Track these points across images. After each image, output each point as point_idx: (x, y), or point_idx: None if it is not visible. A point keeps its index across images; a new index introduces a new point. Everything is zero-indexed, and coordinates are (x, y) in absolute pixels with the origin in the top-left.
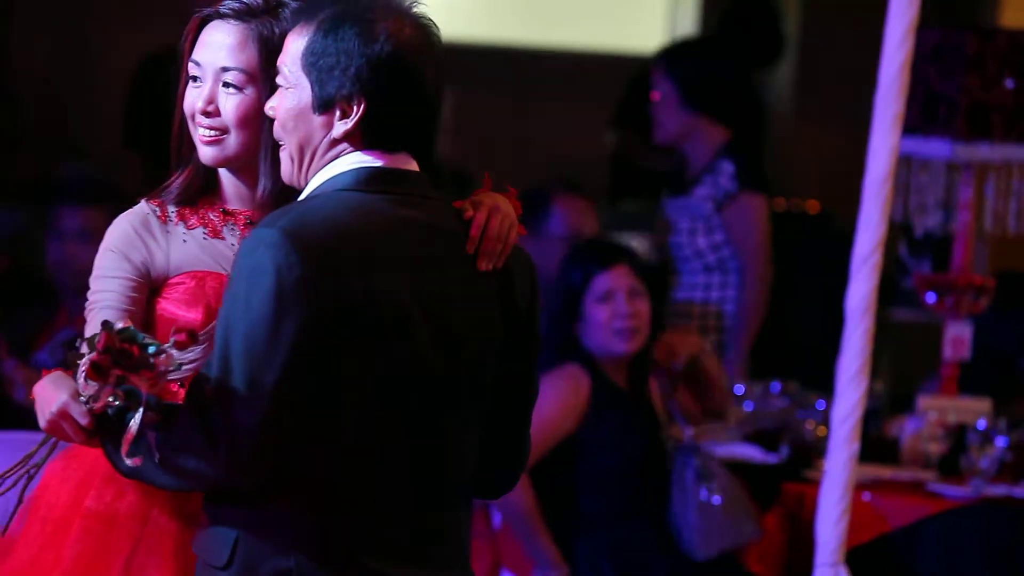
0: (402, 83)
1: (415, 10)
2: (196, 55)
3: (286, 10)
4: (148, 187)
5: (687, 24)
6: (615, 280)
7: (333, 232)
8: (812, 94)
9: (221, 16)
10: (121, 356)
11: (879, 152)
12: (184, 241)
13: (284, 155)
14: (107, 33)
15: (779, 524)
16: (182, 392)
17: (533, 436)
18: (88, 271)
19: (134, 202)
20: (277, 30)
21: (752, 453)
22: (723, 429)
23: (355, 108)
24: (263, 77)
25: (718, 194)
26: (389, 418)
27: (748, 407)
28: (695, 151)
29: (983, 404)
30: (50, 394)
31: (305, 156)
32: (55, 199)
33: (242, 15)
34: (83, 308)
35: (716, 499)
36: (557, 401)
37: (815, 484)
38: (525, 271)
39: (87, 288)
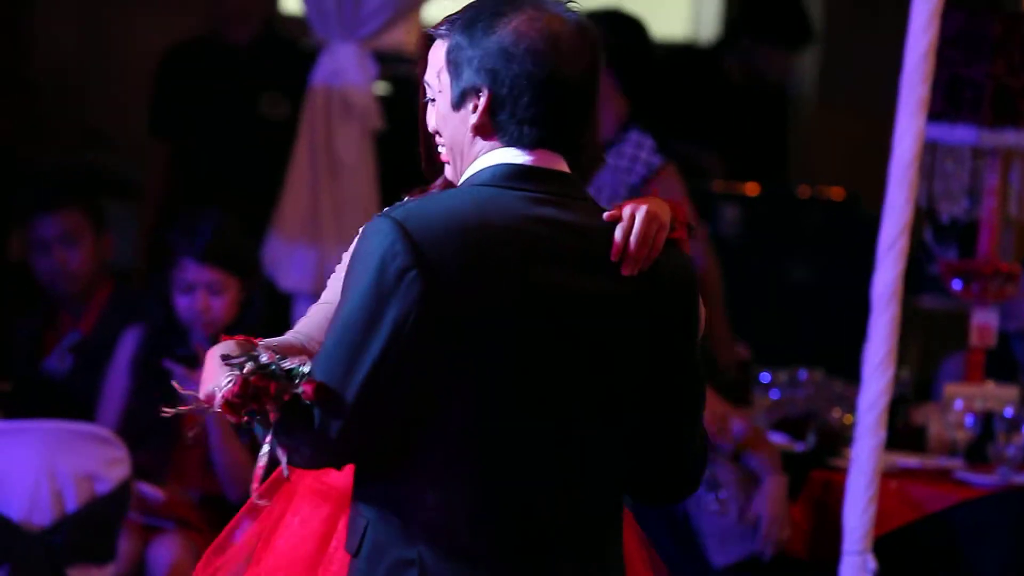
0: (527, 74)
1: (557, 5)
2: (426, 75)
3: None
4: (172, 176)
5: (711, 10)
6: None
7: (448, 225)
8: (837, 80)
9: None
10: (256, 394)
11: (904, 137)
12: None
13: (445, 159)
14: (128, 21)
15: (806, 512)
16: None
17: None
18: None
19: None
20: None
21: (779, 441)
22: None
23: (480, 99)
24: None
25: (639, 167)
26: (497, 411)
27: (774, 395)
28: (601, 120)
29: (1010, 392)
30: (209, 375)
31: (456, 156)
32: (28, 209)
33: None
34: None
35: (725, 509)
36: None
37: (842, 472)
38: (681, 280)
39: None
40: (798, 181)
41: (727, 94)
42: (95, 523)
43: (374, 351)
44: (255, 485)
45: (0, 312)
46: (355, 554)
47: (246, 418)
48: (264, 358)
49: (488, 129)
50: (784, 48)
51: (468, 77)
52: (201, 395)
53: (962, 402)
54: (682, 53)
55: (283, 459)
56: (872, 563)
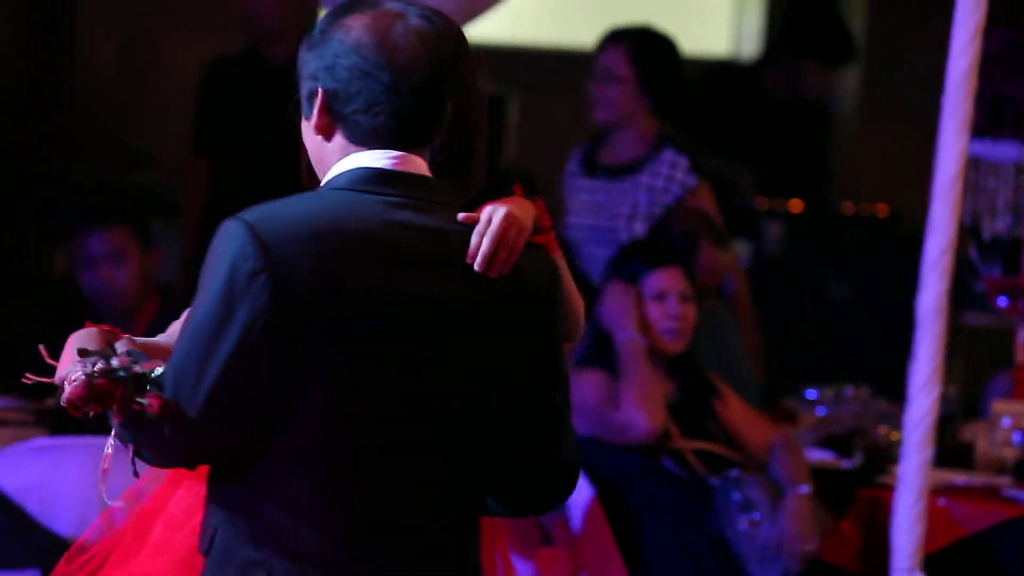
0: (355, 66)
1: (404, 6)
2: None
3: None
4: (211, 193)
5: (753, 27)
6: (669, 281)
7: (300, 229)
8: (879, 96)
9: None
10: (100, 396)
11: (947, 156)
12: None
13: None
14: (169, 39)
15: (854, 530)
16: None
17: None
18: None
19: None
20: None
21: (825, 458)
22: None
23: (317, 99)
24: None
25: (674, 187)
26: (346, 417)
27: (820, 412)
28: (629, 138)
29: None
30: (64, 361)
31: (318, 166)
32: (75, 226)
33: None
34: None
35: (756, 530)
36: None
37: (889, 489)
38: (543, 284)
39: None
40: (841, 198)
41: (769, 111)
42: None
43: (223, 355)
44: (103, 481)
45: (45, 328)
46: (206, 553)
47: (90, 415)
48: (115, 361)
49: (330, 128)
50: (825, 65)
51: (308, 82)
52: (56, 379)
53: (1009, 420)
54: (723, 70)
55: (129, 455)
56: None
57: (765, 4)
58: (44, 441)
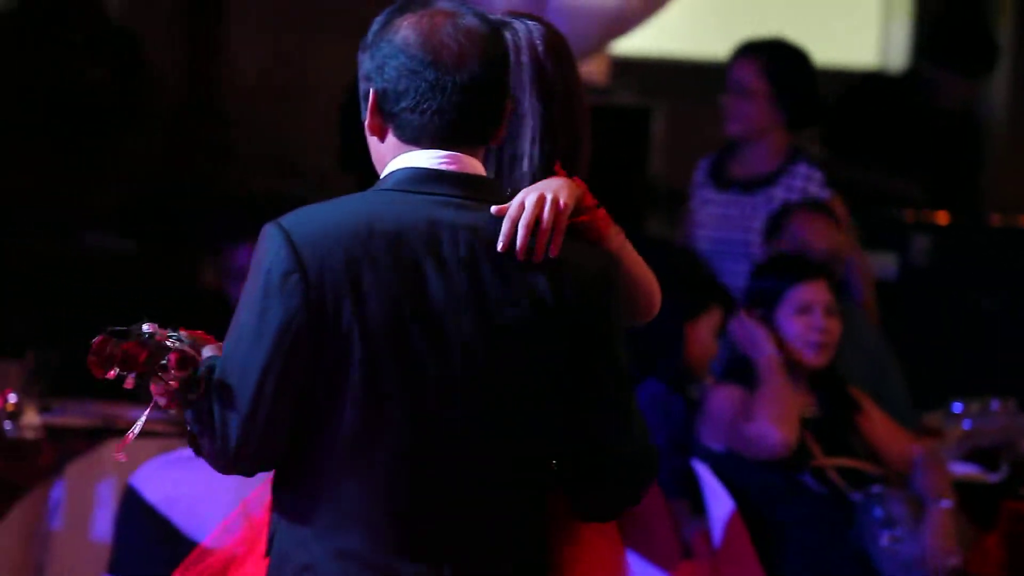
0: (403, 66)
1: (455, 6)
2: None
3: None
4: None
5: (901, 37)
6: (814, 294)
7: (334, 230)
8: None
9: None
10: (116, 358)
11: None
12: None
13: None
14: (318, 50)
15: (999, 544)
16: None
17: None
18: None
19: None
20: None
21: (971, 472)
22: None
23: (369, 99)
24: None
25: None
26: (385, 415)
27: (966, 425)
28: (762, 151)
29: None
30: None
31: (380, 169)
32: (224, 240)
33: None
34: None
35: (897, 547)
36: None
37: None
38: (588, 272)
39: None
40: (990, 209)
41: (917, 121)
42: None
43: (262, 356)
44: (119, 448)
45: None
46: (267, 555)
47: (111, 374)
48: (145, 328)
49: (383, 128)
50: (966, 75)
51: (362, 84)
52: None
53: None
54: (871, 81)
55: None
56: None
57: (914, 13)
58: (189, 452)
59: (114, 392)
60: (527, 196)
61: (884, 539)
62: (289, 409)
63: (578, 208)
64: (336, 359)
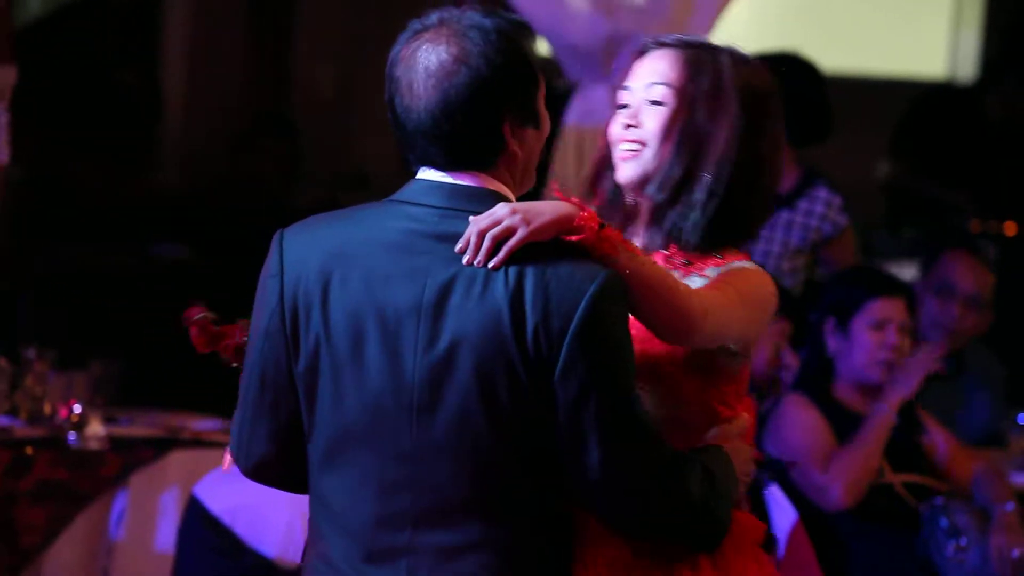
0: (396, 91)
1: (456, 26)
2: (628, 81)
3: (724, 53)
4: None
5: (970, 47)
6: (891, 310)
7: (321, 236)
8: None
9: (660, 45)
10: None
11: None
12: None
13: None
14: (381, 63)
15: None
16: None
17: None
18: None
19: None
20: (713, 59)
21: None
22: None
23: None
24: (685, 97)
25: (826, 226)
26: (345, 429)
27: None
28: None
29: None
30: None
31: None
32: None
33: (676, 44)
34: None
35: (963, 556)
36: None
37: None
38: (567, 289)
39: None
40: None
41: (985, 133)
42: None
43: (254, 351)
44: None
45: None
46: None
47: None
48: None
49: (401, 143)
50: None
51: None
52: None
53: None
54: (939, 92)
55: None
56: None
57: (982, 23)
58: None
59: (178, 402)
60: (497, 208)
61: (950, 549)
62: (268, 411)
63: (570, 229)
64: (308, 368)
